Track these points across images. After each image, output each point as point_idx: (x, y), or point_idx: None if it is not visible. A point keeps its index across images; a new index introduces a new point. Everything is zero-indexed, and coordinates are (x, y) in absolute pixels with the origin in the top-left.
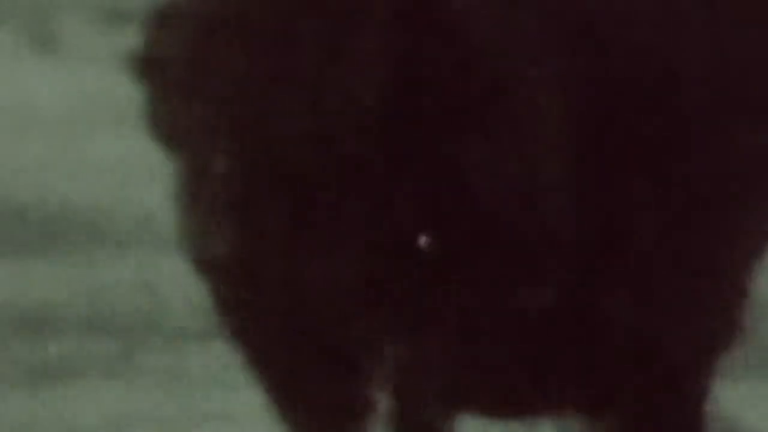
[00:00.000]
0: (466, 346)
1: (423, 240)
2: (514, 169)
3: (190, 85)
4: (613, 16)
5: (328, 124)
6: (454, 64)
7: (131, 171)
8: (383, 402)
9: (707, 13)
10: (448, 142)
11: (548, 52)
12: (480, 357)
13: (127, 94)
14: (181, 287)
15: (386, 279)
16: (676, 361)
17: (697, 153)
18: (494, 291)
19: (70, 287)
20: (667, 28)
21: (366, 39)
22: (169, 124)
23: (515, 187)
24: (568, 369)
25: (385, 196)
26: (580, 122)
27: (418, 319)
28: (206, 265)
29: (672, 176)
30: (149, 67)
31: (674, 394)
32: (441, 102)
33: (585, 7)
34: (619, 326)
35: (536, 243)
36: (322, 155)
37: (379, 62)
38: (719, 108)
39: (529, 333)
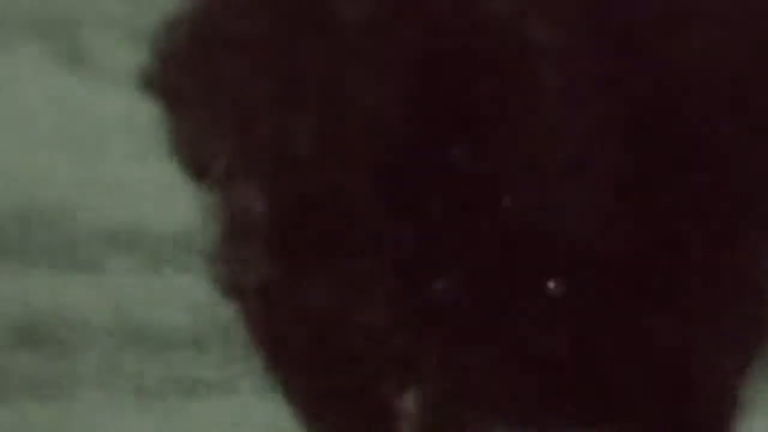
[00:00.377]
0: (499, 360)
1: (551, 285)
2: (547, 186)
3: (202, 105)
4: (652, 24)
5: (350, 142)
6: (479, 73)
7: (156, 189)
8: (413, 414)
9: (747, 25)
10: (476, 158)
11: (583, 61)
12: (513, 371)
13: (155, 111)
14: (200, 306)
15: (417, 297)
16: (712, 378)
17: (740, 166)
18: (528, 307)
19: (91, 299)
20: (711, 39)
21: (386, 54)
22: (189, 149)
23: (546, 203)
24: (604, 384)
25: (414, 216)
26: (619, 136)
27: (448, 335)
28: (238, 292)
29: (715, 190)
30: (160, 84)
31: (709, 410)
32: (465, 115)
33: (623, 15)
34: (655, 343)
35: (572, 262)
36: (347, 176)
37: (400, 77)
38: (761, 123)
39: (563, 350)
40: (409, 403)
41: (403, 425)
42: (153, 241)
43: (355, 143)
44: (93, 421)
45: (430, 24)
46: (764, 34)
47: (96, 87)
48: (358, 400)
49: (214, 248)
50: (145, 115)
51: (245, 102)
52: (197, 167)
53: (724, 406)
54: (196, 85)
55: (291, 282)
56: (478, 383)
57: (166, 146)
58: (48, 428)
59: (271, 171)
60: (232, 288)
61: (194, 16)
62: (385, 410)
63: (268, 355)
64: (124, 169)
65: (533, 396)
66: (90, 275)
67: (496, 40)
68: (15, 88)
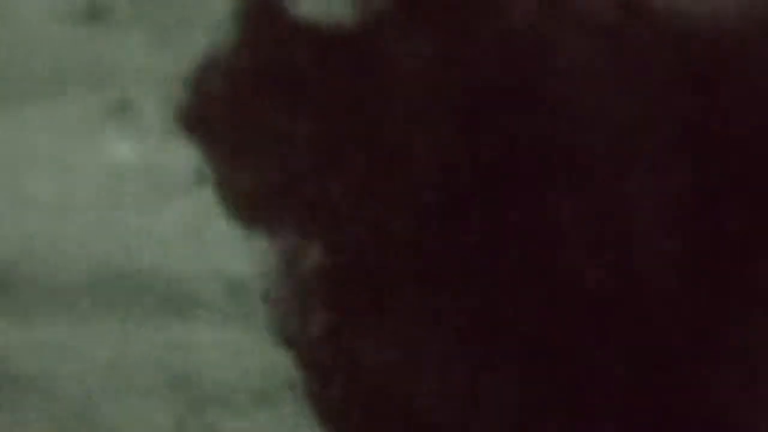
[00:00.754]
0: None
1: None
2: (612, 238)
3: (245, 149)
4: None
5: (400, 189)
6: (532, 121)
7: (204, 238)
8: None
9: None
10: (530, 207)
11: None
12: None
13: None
14: (252, 355)
15: (470, 355)
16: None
17: None
18: (591, 371)
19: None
20: None
21: (437, 99)
22: (236, 195)
23: (614, 258)
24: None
25: (470, 264)
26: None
27: (499, 392)
28: (296, 343)
29: None
30: (197, 128)
31: None
32: (518, 162)
33: (689, 53)
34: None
35: (639, 319)
36: (398, 223)
37: (451, 123)
38: None
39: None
40: None
41: None
42: (248, 293)
43: (404, 189)
44: None
45: (483, 72)
46: None
47: (142, 136)
48: None
49: (269, 298)
50: (193, 164)
51: (289, 146)
52: (247, 215)
53: None
54: (237, 128)
55: (346, 335)
56: None
57: (216, 195)
58: None
59: (323, 217)
60: (289, 338)
61: (232, 58)
62: None
63: (319, 408)
64: (167, 216)
65: None
66: (214, 327)
67: (555, 91)
68: (60, 140)
